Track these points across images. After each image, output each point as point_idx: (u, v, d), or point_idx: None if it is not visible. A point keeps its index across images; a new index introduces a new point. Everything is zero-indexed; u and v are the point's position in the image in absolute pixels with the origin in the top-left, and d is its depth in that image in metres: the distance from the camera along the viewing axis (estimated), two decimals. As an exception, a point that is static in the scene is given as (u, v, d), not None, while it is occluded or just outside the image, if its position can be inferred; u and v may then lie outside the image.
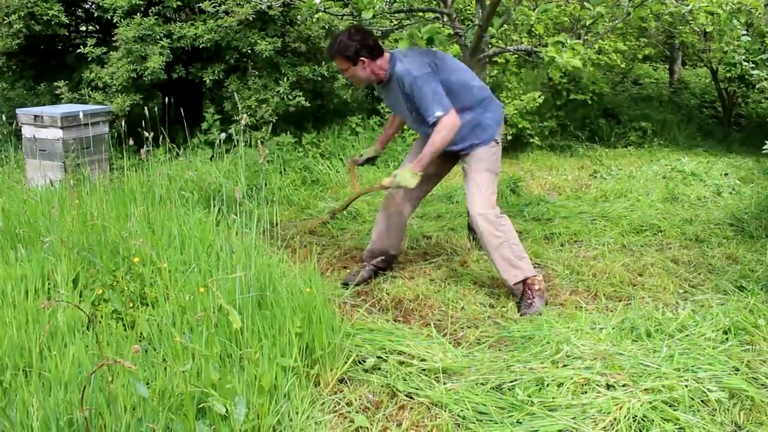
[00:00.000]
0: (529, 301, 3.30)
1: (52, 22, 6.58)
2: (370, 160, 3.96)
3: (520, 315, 3.26)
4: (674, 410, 2.32)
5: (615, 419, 2.27)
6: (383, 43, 7.54)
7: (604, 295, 3.54)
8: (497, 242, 3.31)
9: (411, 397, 2.48)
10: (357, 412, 2.40)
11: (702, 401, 2.38)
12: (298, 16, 6.57)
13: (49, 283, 3.04)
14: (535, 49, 3.97)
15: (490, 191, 3.37)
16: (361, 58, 3.25)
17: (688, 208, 5.15)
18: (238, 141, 6.22)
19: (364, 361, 2.70)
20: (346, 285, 3.62)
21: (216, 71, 6.48)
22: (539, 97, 7.36)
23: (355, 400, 2.47)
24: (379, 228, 3.72)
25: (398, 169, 3.33)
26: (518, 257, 3.34)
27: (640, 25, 7.99)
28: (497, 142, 3.45)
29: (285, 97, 6.42)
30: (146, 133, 4.51)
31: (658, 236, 4.50)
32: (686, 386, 2.42)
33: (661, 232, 4.55)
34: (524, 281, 3.34)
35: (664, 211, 5.00)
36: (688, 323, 2.94)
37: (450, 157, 3.53)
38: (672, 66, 10.93)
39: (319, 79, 6.78)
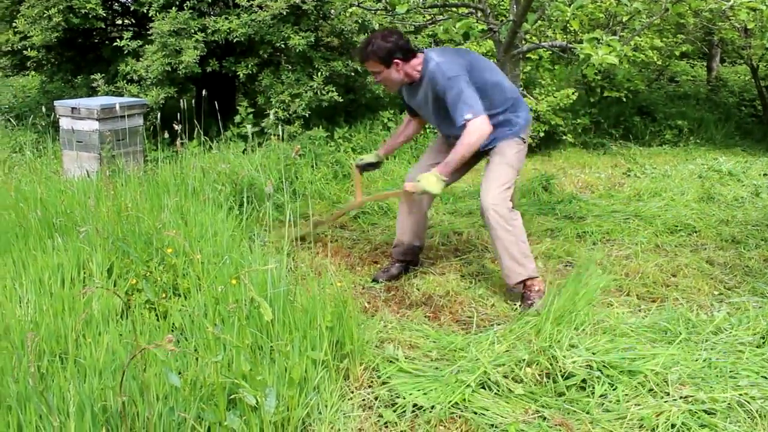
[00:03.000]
0: (529, 302, 3.25)
1: (90, 16, 6.68)
2: (372, 166, 3.81)
3: (520, 313, 3.20)
4: (712, 417, 2.28)
5: (655, 426, 2.23)
6: (416, 38, 7.52)
7: (636, 295, 3.49)
8: (506, 238, 3.23)
9: (437, 393, 2.47)
10: (385, 407, 2.40)
11: (743, 409, 2.33)
12: (332, 11, 6.58)
13: (84, 273, 3.09)
14: (570, 46, 3.92)
15: (506, 186, 3.29)
16: (396, 61, 3.22)
17: (724, 208, 5.06)
18: (270, 134, 6.27)
19: (396, 358, 2.69)
20: (375, 281, 3.62)
21: (249, 65, 6.52)
22: (573, 93, 7.28)
23: (384, 395, 2.47)
24: (400, 222, 3.70)
25: (412, 170, 3.30)
26: (524, 256, 3.27)
27: (678, 22, 7.84)
28: (523, 141, 3.40)
29: (318, 91, 6.44)
30: (178, 126, 4.56)
31: (693, 236, 4.42)
32: (725, 393, 2.37)
33: (696, 233, 4.47)
34: (524, 281, 3.29)
35: (699, 211, 4.92)
36: (723, 326, 2.88)
37: (474, 155, 3.49)
38: (710, 63, 10.73)
39: (352, 73, 6.79)
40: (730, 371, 2.51)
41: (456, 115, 3.12)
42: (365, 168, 3.83)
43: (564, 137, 7.61)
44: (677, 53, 9.47)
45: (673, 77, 11.25)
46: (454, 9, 4.58)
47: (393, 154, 5.32)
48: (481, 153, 3.45)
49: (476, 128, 3.09)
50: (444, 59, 3.23)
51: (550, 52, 7.23)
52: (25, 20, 6.84)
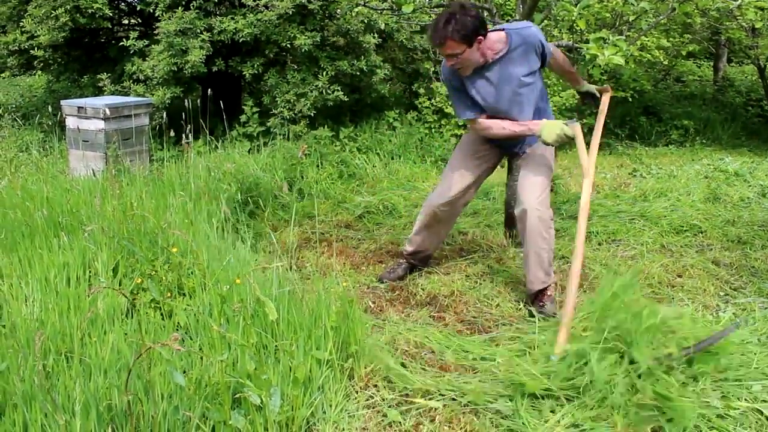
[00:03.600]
0: (540, 304, 3.23)
1: (97, 15, 6.71)
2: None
3: (531, 316, 3.19)
4: (723, 420, 2.27)
5: None
6: (422, 38, 7.52)
7: (642, 295, 3.47)
8: (542, 244, 3.17)
9: (443, 394, 2.47)
10: (390, 407, 2.40)
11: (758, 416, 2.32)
12: (338, 10, 6.57)
13: (90, 271, 3.10)
14: (577, 46, 3.92)
15: (547, 190, 3.24)
16: (479, 37, 2.94)
17: (730, 208, 5.03)
18: (276, 134, 6.28)
19: (402, 360, 2.69)
20: (381, 281, 3.62)
21: (255, 65, 6.53)
22: (579, 93, 7.26)
23: (388, 394, 2.47)
24: (432, 231, 3.57)
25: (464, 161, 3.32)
26: (550, 264, 3.25)
27: (685, 21, 7.82)
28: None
29: (323, 91, 6.45)
30: (184, 125, 4.57)
31: (699, 237, 4.41)
32: (740, 401, 2.36)
33: (702, 233, 4.46)
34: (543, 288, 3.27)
35: (705, 211, 4.90)
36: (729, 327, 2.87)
37: (502, 153, 3.50)
38: (717, 63, 10.69)
39: (358, 73, 6.79)
40: (742, 375, 2.49)
41: (548, 53, 3.18)
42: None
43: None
44: (684, 53, 9.44)
45: (679, 77, 11.22)
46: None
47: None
48: (514, 149, 3.43)
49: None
50: (528, 24, 3.19)
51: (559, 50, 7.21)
52: (33, 20, 6.87)
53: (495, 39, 3.05)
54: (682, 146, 8.10)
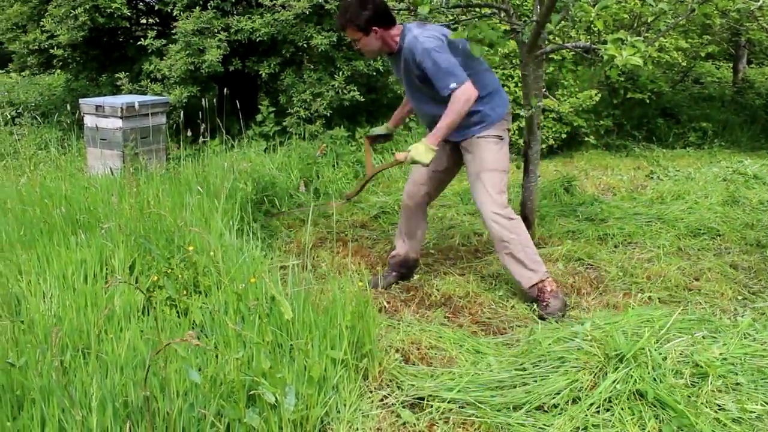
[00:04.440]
0: (544, 304, 3.22)
1: (115, 15, 6.77)
2: (383, 138, 3.82)
3: (540, 318, 3.18)
4: (739, 424, 2.24)
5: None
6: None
7: (658, 298, 3.45)
8: (511, 245, 3.21)
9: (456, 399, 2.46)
10: (404, 407, 2.40)
11: None
12: (354, 11, 6.57)
13: (106, 269, 3.12)
14: (594, 47, 3.89)
15: (497, 190, 3.23)
16: (374, 28, 3.14)
17: (749, 212, 4.98)
18: (292, 134, 6.30)
19: (412, 359, 2.69)
20: (375, 287, 3.56)
21: (272, 65, 6.56)
22: (596, 95, 7.22)
23: (402, 395, 2.47)
24: (401, 234, 3.63)
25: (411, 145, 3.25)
26: (532, 260, 3.24)
27: (704, 22, 7.76)
28: (501, 139, 3.30)
29: (340, 91, 6.46)
30: (201, 124, 4.59)
31: (717, 240, 4.37)
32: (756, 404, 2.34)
33: (719, 236, 4.42)
34: (536, 284, 3.25)
35: (723, 214, 4.85)
36: (748, 332, 2.84)
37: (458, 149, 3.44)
38: (736, 64, 10.58)
39: (374, 73, 6.80)
40: (763, 381, 2.46)
41: (440, 85, 3.05)
42: (375, 140, 3.86)
43: (586, 139, 7.55)
44: (703, 54, 9.36)
45: (698, 79, 11.11)
46: (477, 9, 4.56)
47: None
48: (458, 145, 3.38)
49: (463, 95, 3.02)
50: (422, 31, 3.13)
51: (573, 53, 7.18)
52: (53, 19, 6.95)
53: (395, 33, 3.21)
54: (700, 148, 8.02)
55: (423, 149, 3.11)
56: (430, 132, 3.20)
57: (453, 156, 3.46)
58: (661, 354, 2.48)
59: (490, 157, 3.25)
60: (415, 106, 3.43)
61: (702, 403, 2.28)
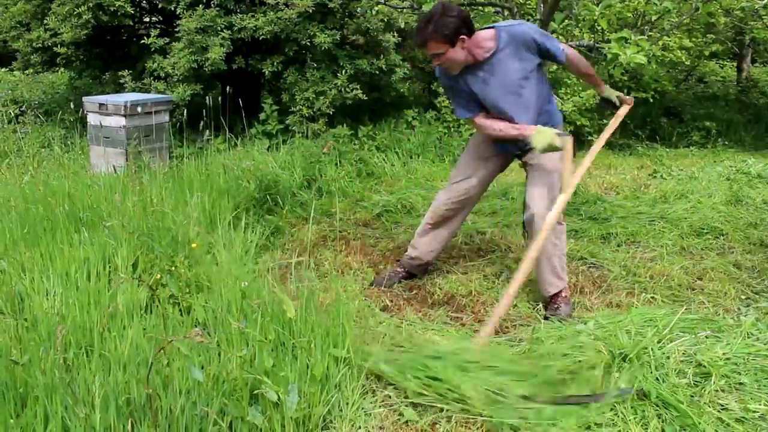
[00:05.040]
0: (555, 306, 3.21)
1: (118, 13, 6.78)
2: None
3: (545, 318, 3.17)
4: (741, 424, 2.24)
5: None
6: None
7: (661, 297, 3.45)
8: (553, 251, 3.17)
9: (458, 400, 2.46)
10: (406, 406, 2.40)
11: None
12: (358, 9, 6.58)
13: (109, 267, 3.12)
14: (598, 45, 3.89)
15: (555, 193, 3.14)
16: (462, 36, 2.91)
17: (753, 211, 4.97)
18: (295, 132, 6.30)
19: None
20: (378, 286, 3.54)
21: (275, 63, 6.56)
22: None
23: (405, 393, 2.47)
24: (431, 230, 3.53)
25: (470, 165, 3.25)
26: (563, 268, 3.24)
27: (708, 21, 7.74)
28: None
29: (342, 89, 6.46)
30: (203, 122, 4.60)
31: (720, 240, 4.36)
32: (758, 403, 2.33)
33: (723, 236, 4.41)
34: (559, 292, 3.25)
35: (727, 213, 4.84)
36: (751, 331, 2.83)
37: (510, 154, 3.40)
38: (740, 63, 10.57)
39: (377, 72, 6.79)
40: (760, 378, 2.46)
41: (556, 48, 3.08)
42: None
43: (589, 138, 7.55)
44: (707, 53, 9.35)
45: (701, 78, 11.11)
46: (481, 7, 4.56)
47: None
48: (519, 150, 3.30)
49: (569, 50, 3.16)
50: (511, 21, 3.14)
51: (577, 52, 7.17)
52: (56, 17, 6.96)
53: (484, 37, 3.02)
54: (704, 148, 8.01)
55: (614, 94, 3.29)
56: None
57: (507, 161, 3.47)
58: (664, 353, 2.48)
59: (555, 157, 3.16)
60: (507, 113, 3.14)
61: (705, 403, 2.28)
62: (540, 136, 2.99)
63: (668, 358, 2.46)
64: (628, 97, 3.44)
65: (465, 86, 3.14)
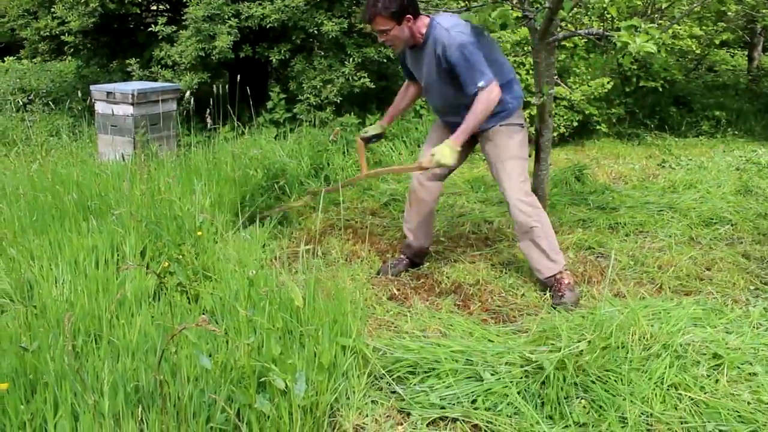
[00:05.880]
0: (560, 294, 3.21)
1: (126, 1, 6.78)
2: (376, 137, 3.74)
3: (552, 306, 3.17)
4: (753, 414, 2.24)
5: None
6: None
7: (669, 288, 3.43)
8: (535, 233, 3.21)
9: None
10: (413, 395, 2.40)
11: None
12: (365, -3, 6.55)
13: (118, 255, 3.14)
14: (607, 34, 3.85)
15: (522, 179, 3.23)
16: (408, 16, 3.06)
17: (762, 201, 4.94)
18: (302, 121, 6.29)
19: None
20: (378, 274, 3.56)
21: (282, 51, 6.54)
22: (608, 83, 7.16)
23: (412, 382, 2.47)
24: (411, 224, 3.58)
25: (426, 149, 3.22)
26: (553, 250, 3.25)
27: (719, 9, 7.66)
28: (522, 126, 3.30)
29: (350, 78, 6.44)
30: (211, 110, 4.59)
31: (729, 230, 4.33)
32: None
33: (732, 226, 4.38)
34: (554, 275, 3.25)
35: (736, 204, 4.81)
36: (760, 321, 2.82)
37: (472, 137, 3.36)
38: (752, 52, 10.46)
39: (385, 60, 6.77)
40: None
41: (468, 82, 3.03)
42: (370, 140, 3.74)
43: (598, 127, 7.50)
44: (717, 42, 9.26)
45: (711, 67, 11.01)
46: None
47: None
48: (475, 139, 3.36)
49: (488, 95, 3.01)
50: (452, 25, 3.08)
51: (586, 40, 7.11)
52: (63, 6, 6.96)
53: (421, 24, 3.14)
54: (713, 137, 7.96)
55: (448, 151, 3.06)
56: (445, 121, 3.25)
57: (467, 145, 3.44)
58: (681, 345, 2.48)
59: (514, 144, 3.25)
60: (437, 98, 3.33)
61: (721, 394, 2.28)
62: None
63: (685, 350, 2.46)
64: (428, 161, 3.15)
65: (407, 61, 3.40)
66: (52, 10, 7.22)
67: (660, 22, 4.36)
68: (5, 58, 11.12)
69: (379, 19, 3.06)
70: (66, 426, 1.92)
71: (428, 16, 3.18)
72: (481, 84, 3.00)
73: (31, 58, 9.02)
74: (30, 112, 7.58)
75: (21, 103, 7.87)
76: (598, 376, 2.35)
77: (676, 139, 7.84)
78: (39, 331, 2.31)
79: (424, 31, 3.14)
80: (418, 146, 6.49)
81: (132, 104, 5.44)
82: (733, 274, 3.59)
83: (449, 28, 3.06)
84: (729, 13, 8.27)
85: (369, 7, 3.08)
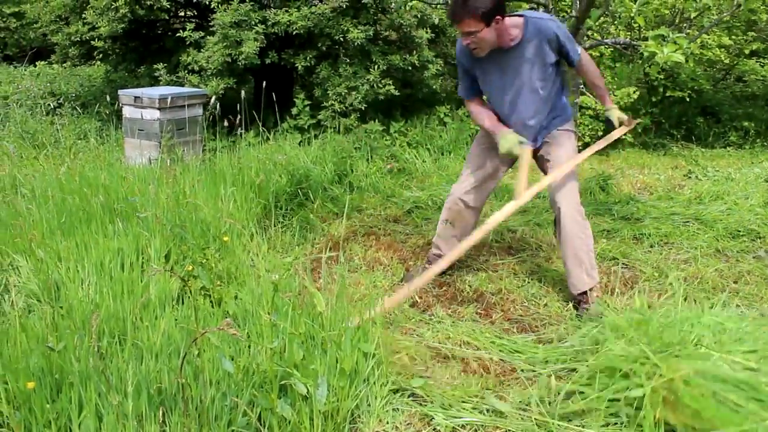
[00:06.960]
0: (585, 306, 3.17)
1: (155, 8, 6.86)
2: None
3: (578, 317, 3.13)
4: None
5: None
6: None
7: (695, 300, 3.39)
8: (581, 245, 3.14)
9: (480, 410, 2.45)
10: (433, 403, 2.39)
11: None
12: (392, 4, 6.58)
13: (143, 257, 3.17)
14: (634, 43, 3.83)
15: (578, 188, 3.18)
16: (497, 17, 2.88)
17: (791, 214, 4.86)
18: (326, 127, 6.32)
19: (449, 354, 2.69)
20: (403, 280, 3.54)
21: (308, 58, 6.58)
22: (634, 92, 7.11)
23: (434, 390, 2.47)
24: (448, 228, 3.46)
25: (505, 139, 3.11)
26: (592, 265, 3.20)
27: (749, 18, 7.57)
28: (575, 134, 3.31)
29: (375, 85, 6.46)
30: (236, 116, 4.63)
31: (757, 242, 4.27)
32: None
33: (760, 239, 4.32)
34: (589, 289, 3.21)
35: (764, 216, 4.73)
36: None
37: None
38: (781, 63, 10.31)
39: (410, 68, 6.78)
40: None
41: (572, 53, 3.10)
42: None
43: (623, 137, 7.43)
44: (747, 51, 9.14)
45: (740, 77, 10.85)
46: (517, 3, 4.52)
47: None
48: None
49: (588, 56, 3.18)
50: (540, 14, 3.13)
51: (612, 50, 7.08)
52: (94, 11, 7.07)
53: (511, 24, 2.99)
54: (741, 148, 7.85)
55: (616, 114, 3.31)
56: (524, 125, 3.19)
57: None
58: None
59: (572, 149, 3.24)
60: (527, 101, 3.14)
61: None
62: (504, 140, 3.08)
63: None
64: (628, 119, 3.37)
65: (479, 71, 3.16)
66: (83, 15, 7.34)
67: (688, 31, 4.33)
68: (37, 63, 11.30)
69: (469, 20, 2.86)
70: (90, 425, 1.94)
71: (513, 16, 3.05)
72: (579, 50, 3.14)
73: (62, 62, 9.17)
74: (59, 115, 7.69)
75: (51, 106, 7.99)
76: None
77: (703, 149, 7.74)
78: (65, 332, 2.34)
79: (514, 32, 3.00)
80: (442, 154, 6.50)
81: (159, 109, 5.50)
82: (761, 288, 3.54)
83: (541, 16, 3.09)
84: (760, 23, 8.18)
85: (457, 7, 2.87)
